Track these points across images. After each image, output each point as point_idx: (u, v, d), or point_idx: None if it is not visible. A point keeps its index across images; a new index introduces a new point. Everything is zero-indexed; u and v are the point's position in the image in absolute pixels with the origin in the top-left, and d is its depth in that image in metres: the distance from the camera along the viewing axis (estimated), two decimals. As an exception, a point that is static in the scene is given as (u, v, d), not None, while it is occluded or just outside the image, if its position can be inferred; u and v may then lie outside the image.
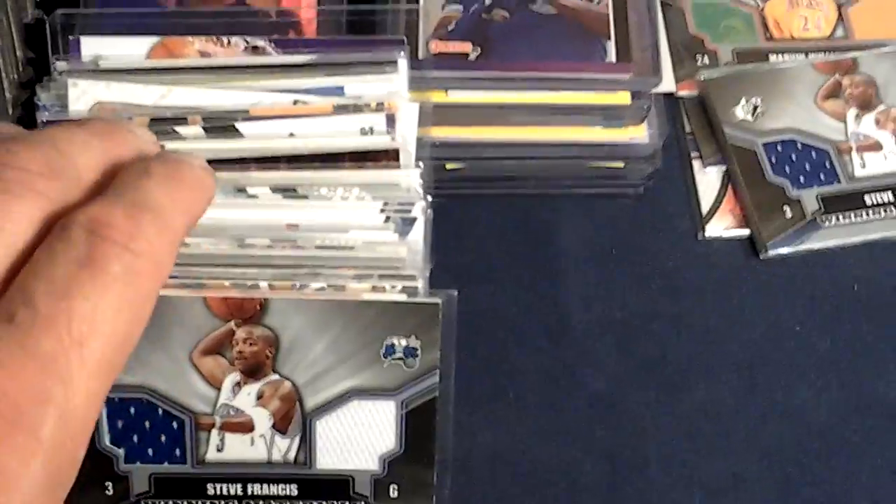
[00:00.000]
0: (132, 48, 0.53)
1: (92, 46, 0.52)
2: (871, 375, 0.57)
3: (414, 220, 0.48)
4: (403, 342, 0.47)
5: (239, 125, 0.49)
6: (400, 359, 0.47)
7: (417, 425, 0.47)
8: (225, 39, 0.54)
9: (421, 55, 0.58)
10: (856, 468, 0.54)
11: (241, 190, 0.48)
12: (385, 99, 0.51)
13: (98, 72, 0.53)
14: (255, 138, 0.49)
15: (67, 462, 0.25)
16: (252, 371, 0.46)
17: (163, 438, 0.46)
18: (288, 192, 0.48)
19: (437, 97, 0.57)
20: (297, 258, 0.47)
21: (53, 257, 0.26)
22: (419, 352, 0.47)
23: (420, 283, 0.48)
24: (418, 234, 0.48)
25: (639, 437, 0.55)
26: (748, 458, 0.54)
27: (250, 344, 0.46)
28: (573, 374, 0.56)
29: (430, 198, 0.49)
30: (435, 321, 0.47)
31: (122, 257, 0.26)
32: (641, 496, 0.53)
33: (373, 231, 0.48)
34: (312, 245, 0.48)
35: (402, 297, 0.47)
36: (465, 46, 0.58)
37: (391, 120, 0.50)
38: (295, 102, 0.52)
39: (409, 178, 0.49)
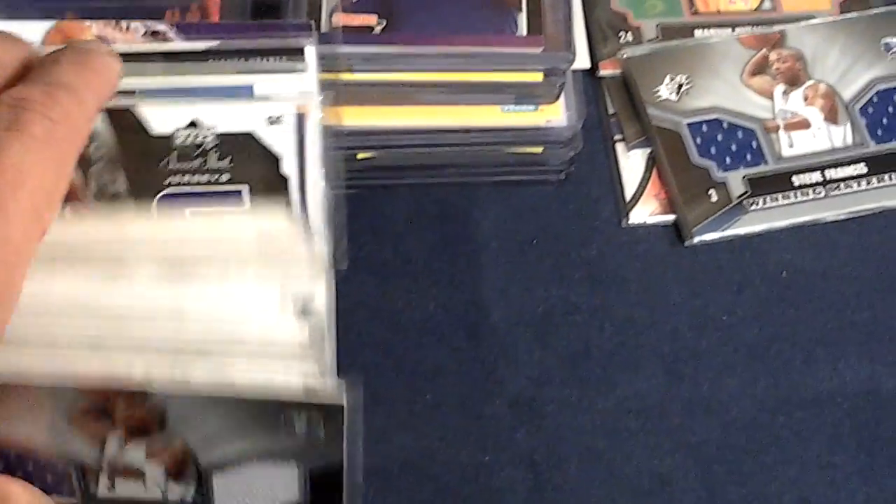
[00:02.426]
0: (26, 33, 0.50)
1: (-18, 30, 0.50)
2: (800, 366, 0.55)
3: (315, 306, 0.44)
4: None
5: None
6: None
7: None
8: (124, 24, 0.51)
9: (324, 28, 0.55)
10: (784, 464, 0.52)
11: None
12: (295, 101, 0.48)
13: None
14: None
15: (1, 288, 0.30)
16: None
17: None
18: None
19: (343, 76, 0.54)
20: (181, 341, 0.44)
21: None
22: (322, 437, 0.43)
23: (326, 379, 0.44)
24: (321, 317, 0.44)
25: (559, 436, 0.53)
26: (673, 456, 0.52)
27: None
28: (492, 373, 0.54)
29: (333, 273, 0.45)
30: (339, 420, 0.43)
31: (41, 122, 0.31)
32: (562, 499, 0.51)
33: (271, 320, 0.44)
34: (199, 329, 0.44)
35: (300, 395, 0.43)
36: (371, 19, 0.55)
37: (301, 119, 0.47)
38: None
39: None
